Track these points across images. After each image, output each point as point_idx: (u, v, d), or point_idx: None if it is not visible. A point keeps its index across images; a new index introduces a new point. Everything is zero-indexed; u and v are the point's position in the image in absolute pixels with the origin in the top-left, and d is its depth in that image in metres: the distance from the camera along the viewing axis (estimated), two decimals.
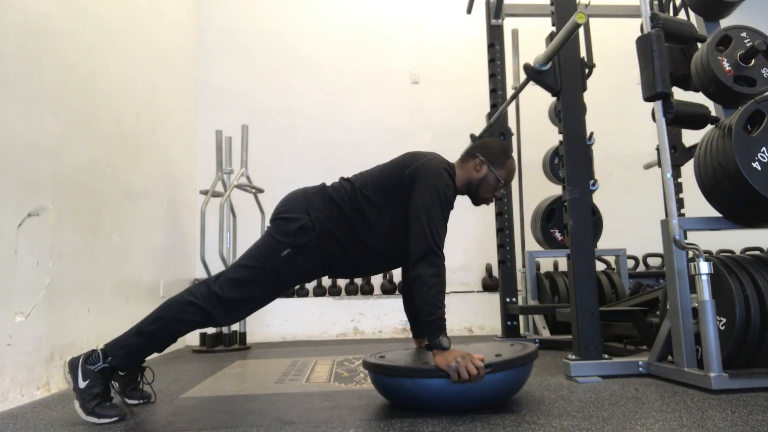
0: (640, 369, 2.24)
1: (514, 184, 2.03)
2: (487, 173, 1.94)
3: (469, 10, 4.10)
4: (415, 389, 1.64)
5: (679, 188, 3.60)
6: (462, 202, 2.05)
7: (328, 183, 1.95)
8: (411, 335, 2.21)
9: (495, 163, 1.94)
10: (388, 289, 4.53)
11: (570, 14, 2.27)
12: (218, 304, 1.74)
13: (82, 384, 1.68)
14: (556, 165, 3.94)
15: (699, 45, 2.30)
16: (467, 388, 1.57)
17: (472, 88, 4.78)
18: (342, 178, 1.94)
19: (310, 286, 4.57)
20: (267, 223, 1.98)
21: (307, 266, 1.83)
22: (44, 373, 2.18)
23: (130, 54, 3.26)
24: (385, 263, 1.95)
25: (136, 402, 1.89)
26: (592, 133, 3.46)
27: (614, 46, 4.52)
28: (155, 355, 1.99)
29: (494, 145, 2.00)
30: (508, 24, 3.92)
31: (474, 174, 1.95)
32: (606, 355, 2.27)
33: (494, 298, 4.24)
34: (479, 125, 3.68)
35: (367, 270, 1.99)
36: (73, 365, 1.71)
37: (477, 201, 2.01)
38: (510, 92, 3.75)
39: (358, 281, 4.58)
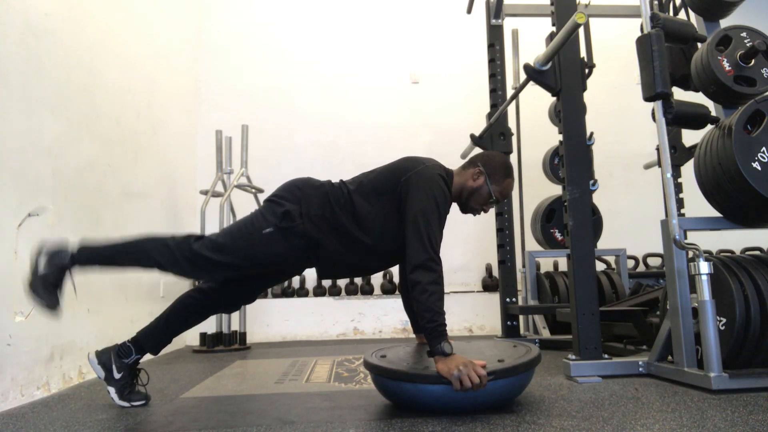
0: (640, 369, 2.24)
1: (515, 183, 2.04)
2: (483, 185, 1.94)
3: (469, 10, 4.11)
4: (416, 393, 1.64)
5: (679, 188, 3.61)
6: None
7: (331, 180, 1.95)
8: (411, 335, 2.21)
9: (493, 177, 1.94)
10: (388, 289, 4.53)
11: (570, 14, 2.27)
12: (188, 256, 1.78)
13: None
14: (556, 165, 3.94)
15: (699, 45, 2.30)
16: (469, 394, 1.57)
17: (472, 88, 4.79)
18: (341, 181, 1.94)
19: (310, 286, 4.57)
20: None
21: (284, 248, 1.81)
22: (44, 373, 2.18)
23: (130, 54, 3.26)
24: (374, 264, 1.95)
25: (134, 404, 1.89)
26: (592, 133, 3.46)
27: (614, 46, 4.52)
28: (151, 355, 2.01)
29: (498, 159, 1.99)
30: (508, 24, 3.92)
31: (470, 182, 1.95)
32: (606, 355, 2.27)
33: (494, 298, 4.24)
34: (479, 125, 3.68)
35: (358, 271, 1.99)
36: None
37: (465, 209, 2.01)
38: (510, 92, 3.75)
39: (358, 281, 4.58)
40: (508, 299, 3.53)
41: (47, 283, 1.75)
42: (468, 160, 2.03)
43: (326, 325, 4.41)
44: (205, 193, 3.89)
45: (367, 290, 4.55)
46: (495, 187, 1.94)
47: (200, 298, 1.94)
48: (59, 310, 1.78)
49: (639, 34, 2.19)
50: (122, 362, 1.88)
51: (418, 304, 1.64)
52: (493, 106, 3.60)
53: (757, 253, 4.20)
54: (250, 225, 1.83)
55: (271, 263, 1.88)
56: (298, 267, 1.98)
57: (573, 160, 2.37)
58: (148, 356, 2.01)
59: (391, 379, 1.69)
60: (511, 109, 3.85)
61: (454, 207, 1.98)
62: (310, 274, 4.50)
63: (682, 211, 3.58)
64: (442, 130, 4.86)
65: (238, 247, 1.80)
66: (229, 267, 1.83)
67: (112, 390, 1.87)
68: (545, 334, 3.49)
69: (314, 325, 4.40)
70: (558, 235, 3.82)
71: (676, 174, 3.51)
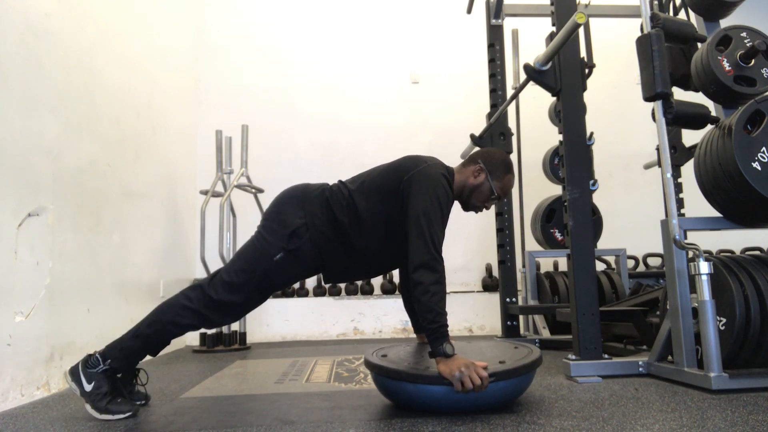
0: (640, 369, 2.24)
1: (514, 183, 2.04)
2: (484, 182, 1.93)
3: (469, 10, 4.11)
4: (417, 394, 1.64)
5: (679, 188, 3.61)
6: None
7: (328, 183, 1.94)
8: (411, 335, 2.21)
9: (493, 173, 1.94)
10: (388, 289, 4.53)
11: (570, 14, 2.27)
12: (214, 307, 1.77)
13: (88, 387, 1.73)
14: (556, 165, 3.94)
15: (699, 45, 2.30)
16: (470, 396, 1.57)
17: (472, 88, 4.79)
18: (340, 182, 1.93)
19: (310, 286, 4.57)
20: None
21: (300, 269, 1.85)
22: (44, 373, 2.18)
23: (130, 54, 3.26)
24: (380, 267, 1.96)
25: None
26: (592, 133, 3.46)
27: (614, 46, 4.52)
28: (150, 356, 2.02)
29: (497, 156, 1.99)
30: (508, 24, 3.92)
31: (471, 179, 1.95)
32: (606, 355, 2.27)
33: (494, 298, 4.24)
34: (479, 125, 3.68)
35: (362, 273, 1.98)
36: (74, 372, 1.76)
37: (467, 207, 2.01)
38: (510, 92, 3.75)
39: (358, 281, 4.58)
40: (508, 299, 3.53)
41: (103, 394, 1.72)
42: (468, 158, 2.03)
43: (326, 325, 4.41)
44: (205, 193, 3.89)
45: (367, 290, 4.55)
46: (496, 183, 1.94)
47: None
48: (136, 406, 1.77)
49: (639, 34, 2.19)
50: None
51: (419, 305, 1.64)
52: (493, 106, 3.60)
53: (757, 253, 4.20)
54: (259, 254, 1.80)
55: (291, 283, 1.89)
56: (310, 275, 1.97)
57: (573, 160, 2.37)
58: (147, 356, 2.00)
59: (392, 379, 1.69)
60: (511, 109, 3.85)
61: (455, 207, 1.98)
62: None
63: (682, 211, 3.58)
64: (442, 130, 4.86)
65: (257, 278, 1.79)
66: (253, 301, 1.84)
67: None
68: (545, 334, 3.49)
69: (314, 325, 4.40)
70: (558, 235, 3.82)
71: (676, 174, 3.51)
